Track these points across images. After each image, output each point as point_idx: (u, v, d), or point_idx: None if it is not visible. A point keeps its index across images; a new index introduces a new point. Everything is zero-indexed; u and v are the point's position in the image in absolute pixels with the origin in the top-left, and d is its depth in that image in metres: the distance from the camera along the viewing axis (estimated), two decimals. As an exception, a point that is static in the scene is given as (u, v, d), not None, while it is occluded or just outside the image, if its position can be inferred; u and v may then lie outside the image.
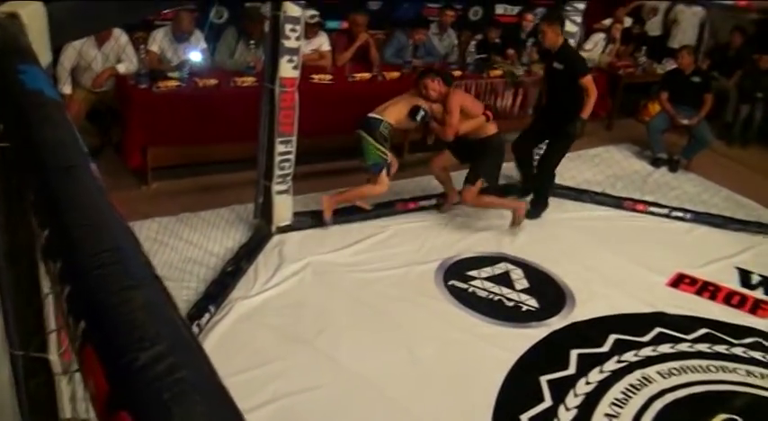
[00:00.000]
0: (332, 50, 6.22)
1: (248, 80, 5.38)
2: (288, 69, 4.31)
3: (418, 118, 4.93)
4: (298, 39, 4.29)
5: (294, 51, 4.29)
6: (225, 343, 3.60)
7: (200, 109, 5.14)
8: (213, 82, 5.28)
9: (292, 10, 4.19)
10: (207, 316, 3.71)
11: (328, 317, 3.92)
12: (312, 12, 5.81)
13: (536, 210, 5.52)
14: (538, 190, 5.63)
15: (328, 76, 5.71)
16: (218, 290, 3.96)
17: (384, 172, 4.95)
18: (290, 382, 3.36)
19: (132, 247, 0.76)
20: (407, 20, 6.86)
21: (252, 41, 5.69)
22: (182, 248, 4.33)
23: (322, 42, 6.15)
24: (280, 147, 4.50)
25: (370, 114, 4.94)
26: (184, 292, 3.89)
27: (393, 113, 4.94)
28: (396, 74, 6.05)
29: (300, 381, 3.38)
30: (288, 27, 4.21)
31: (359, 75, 5.88)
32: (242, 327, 3.75)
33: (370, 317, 3.99)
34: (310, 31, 5.79)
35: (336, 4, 6.71)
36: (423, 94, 4.96)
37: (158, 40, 5.55)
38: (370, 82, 5.91)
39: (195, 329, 3.56)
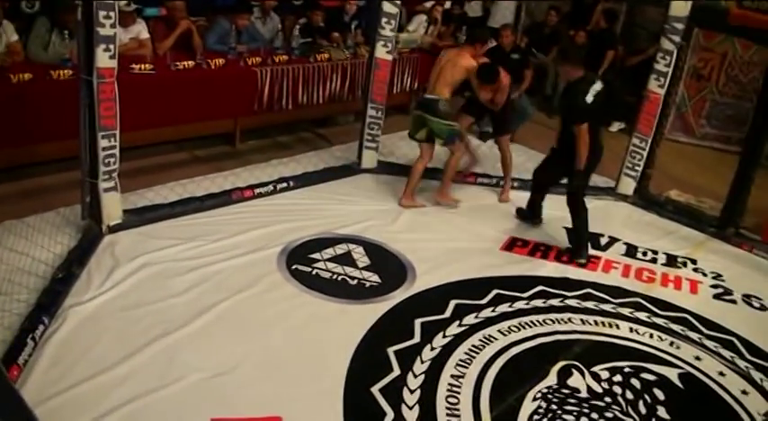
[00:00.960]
0: (151, 38, 5.98)
1: (65, 73, 5.08)
2: (105, 59, 4.11)
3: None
4: (113, 26, 4.08)
5: (110, 39, 4.09)
6: (63, 353, 3.43)
7: (16, 107, 4.83)
8: (28, 76, 4.93)
9: (105, -5, 4.00)
10: (41, 327, 3.51)
11: (169, 315, 3.81)
12: (126, -2, 5.56)
13: (578, 252, 5.12)
14: (575, 231, 5.21)
15: (149, 66, 5.48)
16: (51, 299, 3.75)
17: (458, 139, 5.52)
18: (135, 386, 3.26)
19: None
20: (229, 5, 6.70)
21: (66, 32, 5.37)
22: (7, 258, 4.05)
23: (140, 30, 5.88)
24: (103, 142, 4.29)
25: (426, 95, 5.51)
26: (15, 305, 3.67)
27: (444, 88, 5.39)
28: (221, 60, 5.91)
29: (146, 384, 3.28)
30: (101, 14, 4.00)
31: (182, 63, 5.68)
32: (79, 335, 3.57)
33: (214, 310, 3.91)
34: (127, 18, 5.54)
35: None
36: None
37: (-36, 35, 5.11)
38: (195, 70, 5.74)
39: (30, 343, 3.36)
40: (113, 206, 4.53)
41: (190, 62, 5.74)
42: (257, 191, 5.36)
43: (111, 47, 4.11)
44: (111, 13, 4.04)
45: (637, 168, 6.15)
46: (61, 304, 3.77)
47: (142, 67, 5.43)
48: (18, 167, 5.11)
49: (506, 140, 6.01)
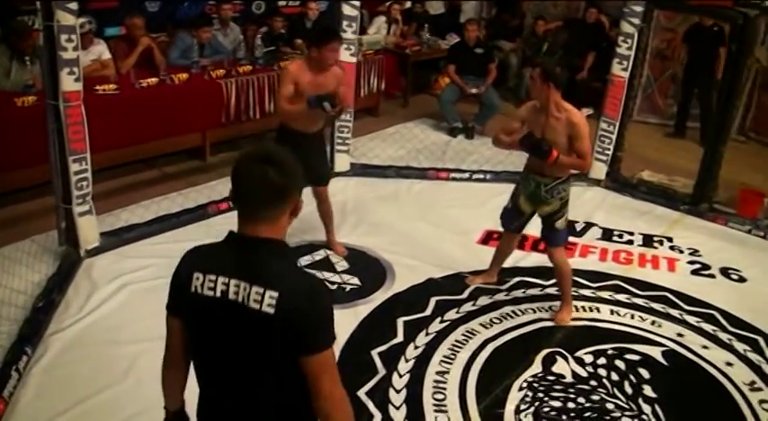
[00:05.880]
0: (113, 58, 5.96)
1: (29, 100, 5.05)
2: (69, 82, 4.09)
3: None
4: (75, 49, 4.07)
5: (73, 62, 4.08)
6: (47, 382, 3.42)
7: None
8: (-9, 106, 4.92)
9: (66, 19, 3.97)
10: (25, 358, 3.48)
11: (151, 336, 3.75)
12: (84, 18, 5.51)
13: None
14: None
15: (113, 86, 5.45)
16: (32, 328, 3.72)
17: None
18: (122, 410, 3.25)
19: None
20: (188, 19, 6.69)
21: (27, 58, 5.35)
22: (-15, 292, 4.00)
23: (101, 51, 5.87)
24: (74, 166, 4.27)
25: None
26: (-4, 338, 3.63)
27: None
28: (184, 75, 5.89)
29: (133, 406, 3.25)
30: (63, 37, 3.98)
31: (146, 80, 5.67)
32: (62, 362, 3.56)
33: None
34: (86, 39, 5.50)
35: (112, 9, 6.44)
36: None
37: None
38: (159, 86, 5.72)
39: (14, 374, 3.34)
40: (90, 230, 4.50)
41: (153, 79, 5.72)
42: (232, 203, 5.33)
43: (76, 70, 4.10)
44: (73, 37, 4.03)
45: (607, 152, 6.19)
46: (44, 333, 3.73)
47: (106, 87, 5.40)
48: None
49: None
